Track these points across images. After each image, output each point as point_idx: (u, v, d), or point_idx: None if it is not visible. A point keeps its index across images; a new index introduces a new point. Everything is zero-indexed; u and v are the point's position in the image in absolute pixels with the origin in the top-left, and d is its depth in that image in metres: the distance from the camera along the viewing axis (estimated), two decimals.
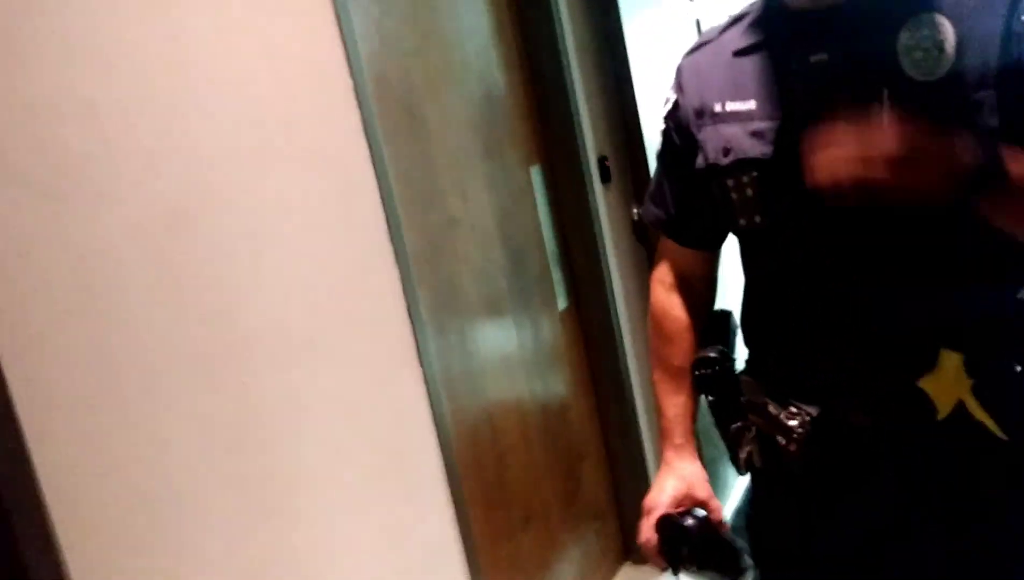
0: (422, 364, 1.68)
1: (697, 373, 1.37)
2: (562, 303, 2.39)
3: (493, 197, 2.11)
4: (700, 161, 1.25)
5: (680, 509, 1.34)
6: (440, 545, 1.69)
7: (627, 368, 2.51)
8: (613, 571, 2.56)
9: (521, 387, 2.17)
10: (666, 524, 1.32)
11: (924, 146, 0.98)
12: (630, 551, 2.60)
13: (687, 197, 1.33)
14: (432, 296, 1.82)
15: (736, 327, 1.40)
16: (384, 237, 1.63)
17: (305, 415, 1.44)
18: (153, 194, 1.24)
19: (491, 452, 2.00)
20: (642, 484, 2.57)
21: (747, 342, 1.35)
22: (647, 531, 1.34)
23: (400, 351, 1.65)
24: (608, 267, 2.46)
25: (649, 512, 1.35)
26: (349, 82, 1.59)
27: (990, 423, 1.11)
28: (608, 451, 2.55)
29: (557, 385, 2.36)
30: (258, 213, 1.39)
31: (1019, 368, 1.10)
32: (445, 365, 1.83)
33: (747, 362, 1.34)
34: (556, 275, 2.37)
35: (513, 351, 2.14)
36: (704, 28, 2.42)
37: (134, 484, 1.17)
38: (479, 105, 2.11)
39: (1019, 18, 1.04)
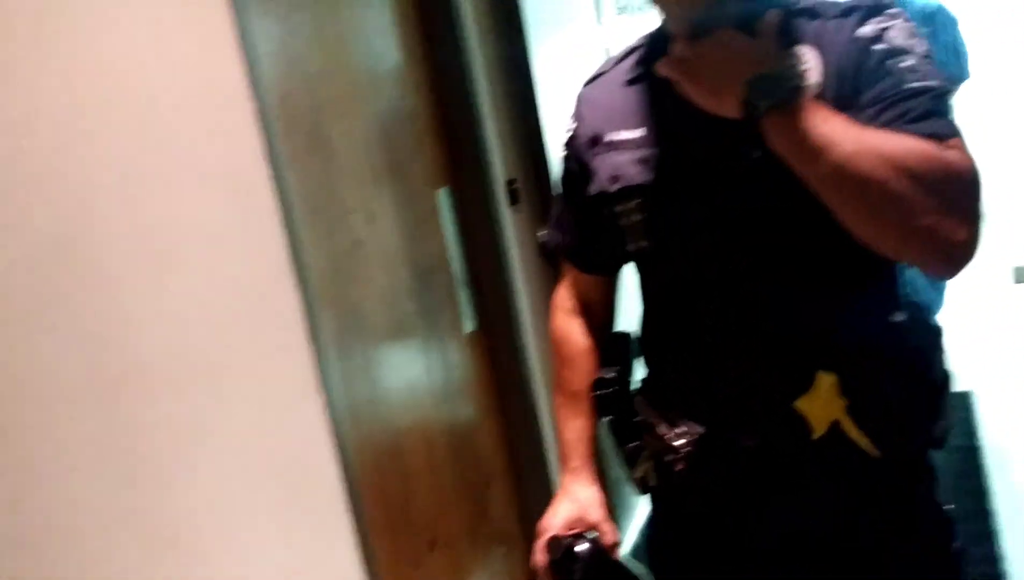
0: (325, 390, 1.65)
1: (595, 394, 1.40)
2: (469, 326, 2.39)
3: (399, 219, 2.10)
4: (592, 188, 1.29)
5: (572, 532, 1.36)
6: (342, 575, 1.66)
7: (535, 391, 2.52)
8: None
9: (428, 412, 2.16)
10: (556, 546, 1.33)
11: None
12: (537, 576, 2.60)
13: (585, 224, 1.37)
14: (336, 320, 1.79)
15: (635, 349, 1.43)
16: (286, 260, 1.60)
17: (203, 444, 1.40)
18: (41, 219, 1.19)
19: (397, 478, 1.98)
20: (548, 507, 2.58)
21: (645, 363, 1.39)
22: (538, 553, 1.36)
23: (302, 377, 1.62)
24: (516, 290, 2.47)
25: (541, 534, 1.38)
26: (251, 104, 1.56)
27: (864, 442, 1.16)
28: (516, 475, 2.55)
29: (464, 409, 2.35)
30: (154, 237, 1.35)
31: (892, 388, 1.15)
32: (349, 391, 1.81)
33: (641, 382, 1.38)
34: (463, 298, 2.37)
35: (420, 375, 2.13)
36: (613, 53, 2.47)
37: (16, 521, 1.12)
38: (387, 127, 2.09)
39: (857, 33, 1.10)
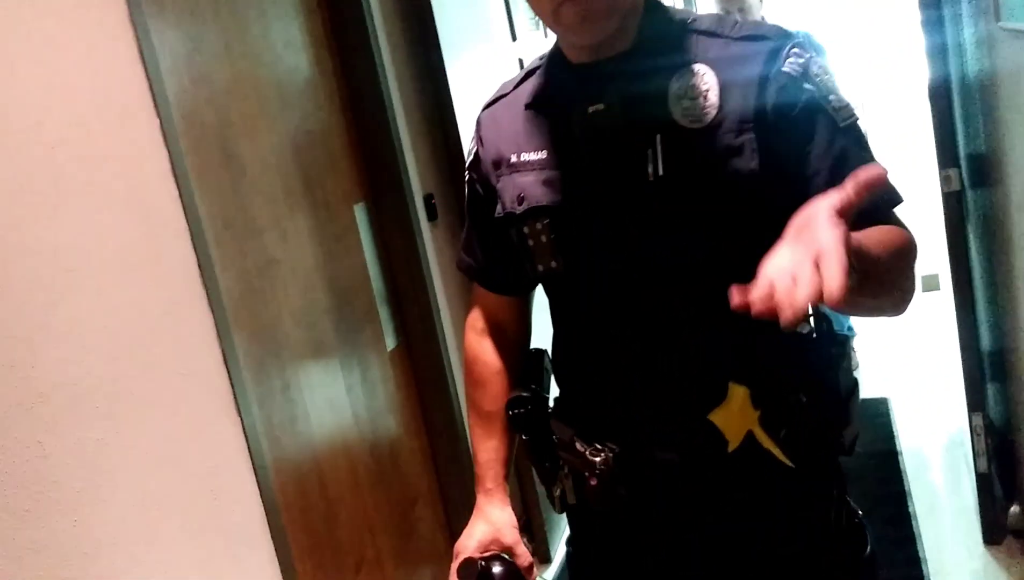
0: (240, 413, 1.61)
1: (511, 413, 1.38)
2: (391, 343, 2.36)
3: (315, 236, 2.07)
4: (499, 210, 1.29)
5: (487, 554, 1.35)
6: None
7: (459, 407, 2.50)
8: None
9: (350, 431, 2.12)
10: (469, 568, 1.31)
11: None
12: None
13: (493, 245, 1.36)
14: (250, 341, 1.75)
15: (549, 366, 1.43)
16: (196, 281, 1.56)
17: (111, 470, 1.34)
18: None
19: (319, 500, 1.94)
20: None
21: (557, 382, 1.38)
22: (452, 576, 1.34)
23: (216, 400, 1.58)
24: (437, 305, 2.45)
25: (456, 556, 1.37)
26: (155, 120, 1.52)
27: (777, 452, 1.17)
28: (441, 492, 2.53)
29: (388, 427, 2.32)
30: (52, 258, 1.30)
31: (802, 398, 1.16)
32: (266, 412, 1.77)
33: (556, 401, 1.37)
34: (384, 314, 2.34)
35: (340, 394, 2.09)
36: (527, 66, 2.49)
37: None
38: (299, 143, 2.06)
39: (778, 68, 1.11)
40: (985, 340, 2.61)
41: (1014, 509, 2.51)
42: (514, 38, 3.36)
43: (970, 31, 2.30)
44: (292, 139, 2.04)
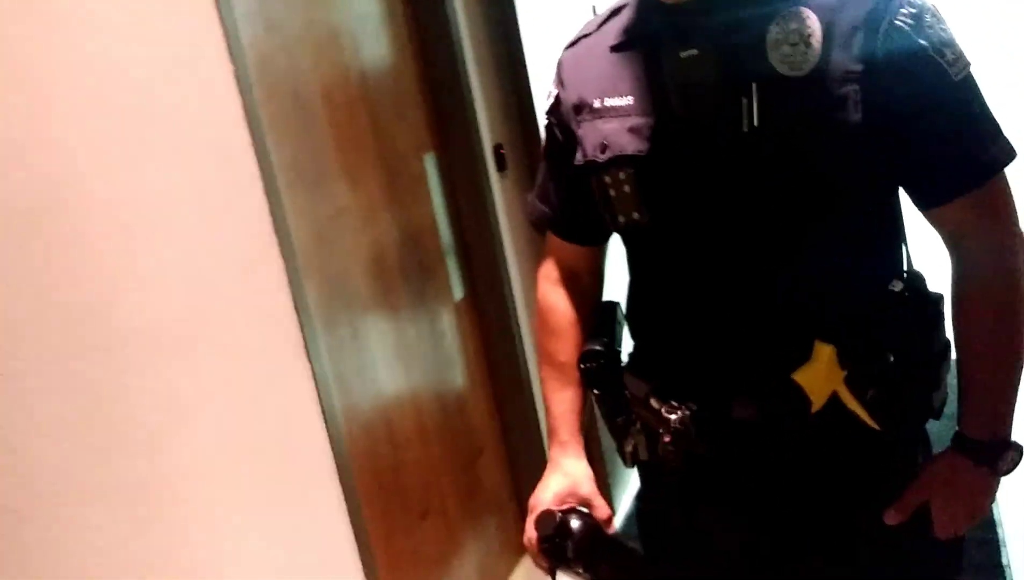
0: (310, 360, 1.62)
1: (583, 367, 1.36)
2: (458, 294, 2.36)
3: (384, 185, 2.06)
4: (579, 157, 1.24)
5: (564, 507, 1.32)
6: (333, 544, 1.64)
7: (525, 359, 2.50)
8: (512, 565, 2.55)
9: (417, 380, 2.13)
10: (548, 521, 1.29)
11: None
12: (529, 552, 2.59)
13: (571, 193, 1.32)
14: (320, 289, 1.76)
15: (622, 319, 1.40)
16: (269, 228, 1.57)
17: (189, 414, 1.37)
18: (15, 185, 1.15)
19: (386, 447, 1.96)
20: (541, 477, 2.56)
21: (632, 335, 1.35)
22: (529, 528, 1.32)
23: (287, 347, 1.59)
24: (504, 256, 2.44)
25: (532, 509, 1.34)
26: (230, 67, 1.52)
27: (862, 413, 1.13)
28: (507, 444, 2.54)
29: (454, 378, 2.32)
30: (132, 205, 1.31)
31: (891, 358, 1.12)
32: (336, 360, 1.78)
33: (631, 355, 1.34)
34: (451, 265, 2.34)
35: (408, 344, 2.10)
36: (612, 4, 2.44)
37: None
38: (370, 92, 2.05)
39: (890, 19, 1.05)
40: None
41: None
42: None
43: None
44: (363, 87, 2.02)
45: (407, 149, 2.19)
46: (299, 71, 1.80)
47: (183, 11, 1.44)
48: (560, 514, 1.28)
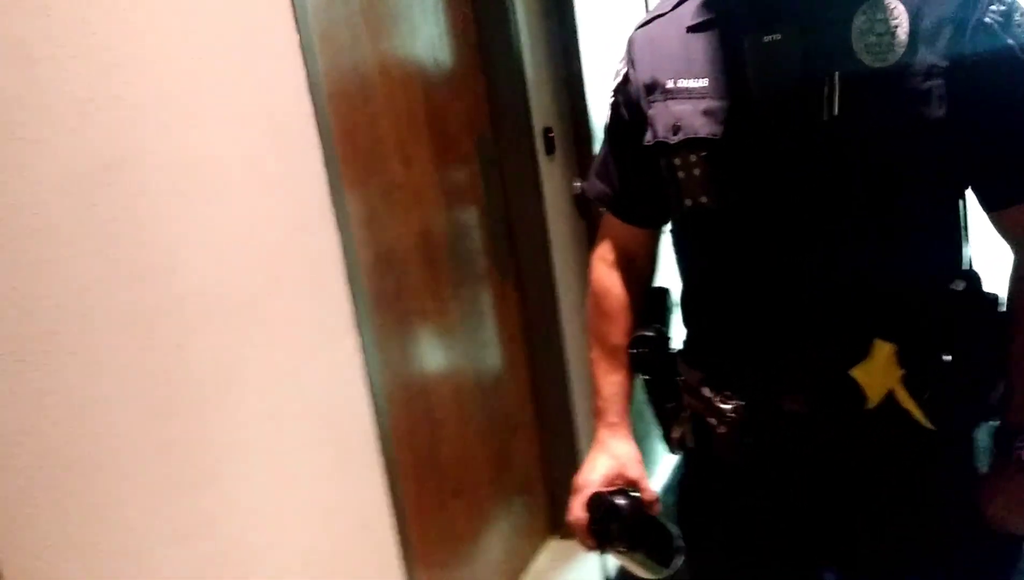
0: (359, 331, 1.64)
1: (633, 351, 1.36)
2: (503, 274, 2.37)
3: (436, 164, 2.07)
4: (648, 137, 1.23)
5: (612, 488, 1.33)
6: (372, 515, 1.66)
7: (564, 343, 2.51)
8: (540, 544, 2.57)
9: (458, 358, 2.15)
10: (597, 503, 1.30)
11: None
12: (558, 525, 2.61)
13: (633, 174, 1.31)
14: (372, 261, 1.78)
15: (673, 305, 1.39)
16: (326, 199, 1.58)
17: (240, 379, 1.39)
18: (85, 143, 1.17)
19: (425, 422, 1.97)
20: (572, 459, 2.57)
21: (685, 323, 1.35)
22: (577, 509, 1.33)
23: (337, 317, 1.61)
24: (550, 241, 2.44)
25: (580, 490, 1.34)
26: (295, 36, 1.53)
27: (918, 413, 1.12)
28: (540, 425, 2.55)
29: (494, 358, 2.34)
30: (196, 167, 1.33)
31: (948, 358, 1.11)
32: (382, 333, 1.80)
33: (684, 343, 1.34)
34: (499, 246, 2.34)
35: (452, 322, 2.12)
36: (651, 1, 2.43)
37: (52, 447, 1.11)
38: (426, 69, 2.06)
39: (979, 15, 1.04)
40: None
41: None
42: None
43: None
44: (420, 65, 2.03)
45: (459, 129, 2.20)
46: (360, 45, 1.80)
47: None
48: (610, 496, 1.29)
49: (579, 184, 2.58)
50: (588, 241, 2.66)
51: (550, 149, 2.47)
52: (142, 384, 1.23)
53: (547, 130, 2.47)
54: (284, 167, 1.50)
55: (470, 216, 2.24)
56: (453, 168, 2.15)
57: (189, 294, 1.31)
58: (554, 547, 2.60)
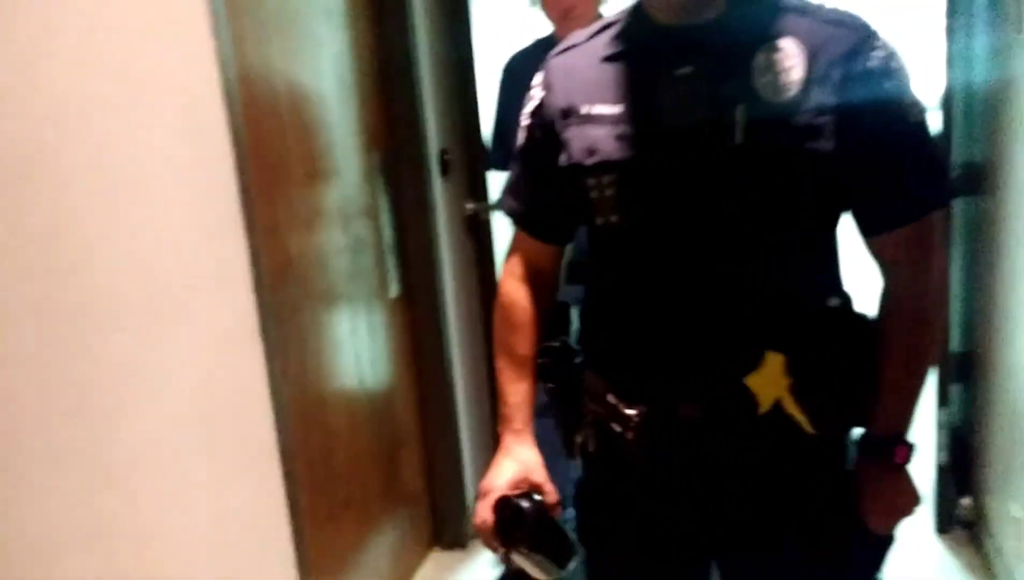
0: (264, 339, 1.65)
1: (540, 361, 1.43)
2: (394, 291, 2.41)
3: (338, 179, 2.10)
4: (563, 159, 1.31)
5: (517, 492, 1.38)
6: (270, 523, 1.67)
7: (451, 359, 2.56)
8: (423, 555, 2.61)
9: (350, 371, 2.17)
10: (504, 506, 1.36)
11: None
12: (440, 537, 2.65)
13: (543, 193, 1.38)
14: (276, 271, 1.79)
15: (575, 319, 1.47)
16: (237, 207, 1.59)
17: (147, 382, 1.38)
18: (5, 134, 1.16)
19: (320, 433, 1.99)
20: (457, 474, 2.63)
21: (589, 334, 1.42)
22: (484, 512, 1.37)
23: (243, 324, 1.61)
24: (441, 259, 2.50)
25: (486, 494, 1.39)
26: (211, 42, 1.54)
27: (802, 419, 1.24)
28: (426, 440, 2.59)
29: (384, 372, 2.37)
30: (112, 167, 1.33)
31: (826, 369, 1.23)
32: (284, 343, 1.81)
33: (589, 352, 1.41)
34: (391, 262, 2.38)
35: (345, 335, 2.14)
36: (538, 35, 2.56)
37: None
38: (330, 86, 2.09)
39: (863, 60, 1.17)
40: (955, 341, 2.72)
41: (966, 502, 2.65)
42: (532, 4, 3.39)
43: (986, 40, 2.37)
44: (324, 81, 2.06)
45: (359, 146, 2.23)
46: (270, 57, 1.82)
47: None
48: (516, 499, 1.35)
49: (471, 206, 2.65)
50: (478, 262, 2.73)
51: (445, 170, 2.53)
52: (50, 384, 1.22)
53: (443, 152, 2.53)
54: (198, 173, 1.51)
55: (366, 232, 2.27)
56: (352, 184, 2.18)
57: (100, 294, 1.30)
58: (437, 558, 2.64)
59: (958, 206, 2.56)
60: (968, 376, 2.71)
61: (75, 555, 1.25)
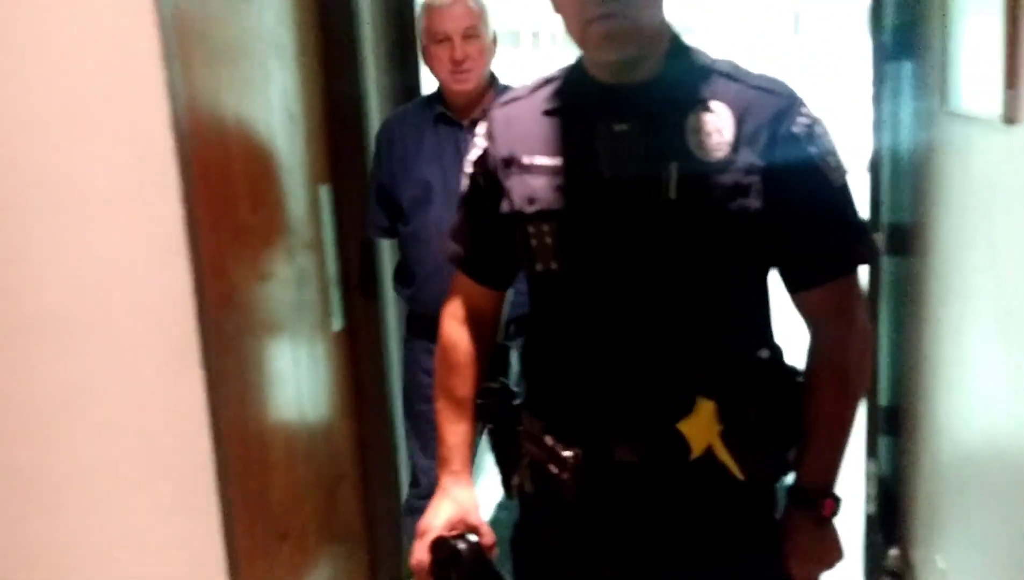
0: (205, 368, 1.64)
1: (479, 402, 1.45)
2: (337, 325, 2.40)
3: (284, 211, 2.11)
4: (505, 207, 1.35)
5: (454, 533, 1.40)
6: (206, 554, 1.64)
7: (392, 394, 2.56)
8: None
9: (290, 404, 2.16)
10: (440, 546, 1.37)
11: None
12: (377, 574, 2.63)
13: (485, 238, 1.42)
14: (219, 302, 1.78)
15: (513, 362, 1.50)
16: (181, 236, 1.58)
17: (85, 407, 1.37)
18: None
19: (258, 465, 1.97)
20: (395, 511, 2.61)
21: (526, 376, 1.45)
22: (420, 552, 1.39)
23: (185, 352, 1.60)
24: (384, 294, 2.50)
25: (423, 534, 1.41)
26: (162, 72, 1.54)
27: (732, 465, 1.28)
28: (365, 475, 2.57)
29: (324, 406, 2.36)
30: (58, 192, 1.33)
31: (755, 418, 1.28)
32: (226, 373, 1.79)
33: (527, 394, 1.44)
34: (334, 296, 2.38)
35: (287, 367, 2.13)
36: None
37: None
38: (278, 117, 2.10)
39: (788, 126, 1.23)
40: (883, 396, 2.81)
41: (893, 552, 2.71)
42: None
43: (911, 108, 2.49)
44: (272, 113, 2.07)
45: (307, 176, 2.24)
46: (218, 86, 1.83)
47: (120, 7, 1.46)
48: (450, 539, 1.36)
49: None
50: None
51: None
52: None
53: None
54: (144, 199, 1.50)
55: (310, 264, 2.27)
56: (299, 215, 2.19)
57: (42, 315, 1.29)
58: None
59: (886, 266, 2.66)
60: (896, 429, 2.80)
61: (5, 577, 1.23)
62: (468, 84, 2.32)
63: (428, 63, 2.34)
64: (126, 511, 1.45)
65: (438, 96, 2.40)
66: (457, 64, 2.25)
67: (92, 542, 1.38)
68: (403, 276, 2.48)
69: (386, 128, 2.45)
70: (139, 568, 1.48)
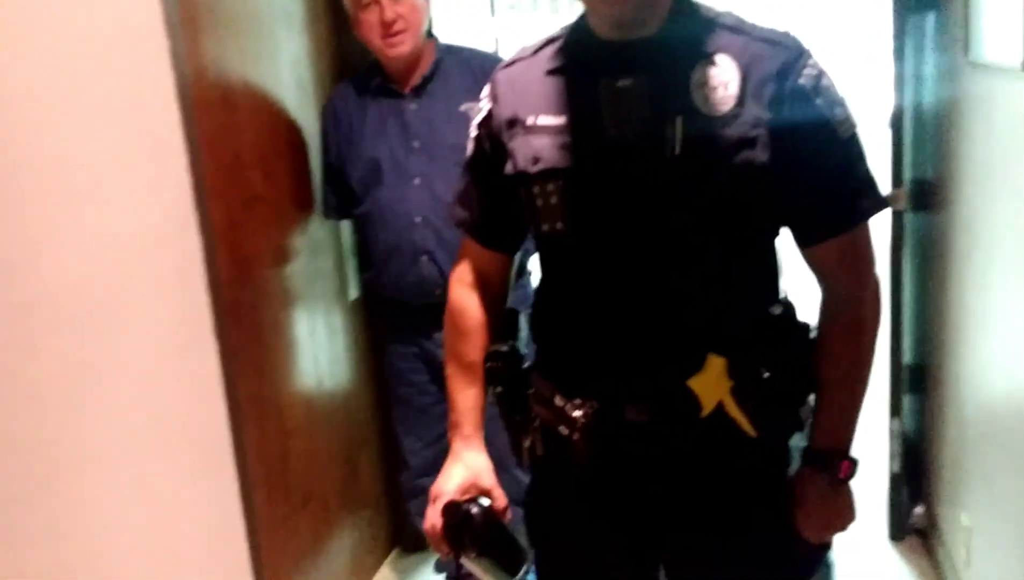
0: (218, 339, 1.65)
1: (488, 366, 1.45)
2: (353, 294, 2.41)
3: (295, 179, 2.11)
4: (510, 168, 1.33)
5: (466, 497, 1.40)
6: (224, 522, 1.67)
7: None
8: (382, 558, 2.61)
9: (308, 372, 2.17)
10: (452, 510, 1.37)
11: None
12: (399, 539, 2.66)
13: (492, 202, 1.41)
14: (231, 271, 1.79)
15: (524, 325, 1.49)
16: (190, 207, 1.59)
17: (97, 380, 1.38)
18: None
19: (277, 434, 1.99)
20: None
21: (536, 338, 1.44)
22: (433, 517, 1.39)
23: (198, 324, 1.61)
24: None
25: (436, 499, 1.41)
26: (165, 43, 1.54)
27: (743, 421, 1.26)
28: (384, 441, 2.59)
29: (342, 374, 2.37)
30: (66, 165, 1.33)
31: (767, 374, 1.26)
32: (240, 343, 1.80)
33: (536, 357, 1.44)
34: (350, 266, 2.39)
35: (304, 336, 2.14)
36: (502, 45, 2.55)
37: None
38: (288, 86, 2.10)
39: (794, 78, 1.21)
40: (908, 354, 2.77)
41: (918, 510, 2.69)
42: (493, 14, 3.43)
43: (934, 61, 2.43)
44: (282, 82, 2.06)
45: (317, 148, 2.24)
46: (226, 57, 1.82)
47: None
48: (465, 504, 1.36)
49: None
50: None
51: None
52: (6, 379, 1.22)
53: None
54: (151, 171, 1.51)
55: (324, 233, 2.28)
56: (312, 185, 2.19)
57: (49, 293, 1.30)
58: (395, 560, 2.65)
59: (909, 222, 2.61)
60: (920, 387, 2.76)
61: (28, 554, 1.25)
62: (403, 47, 2.07)
63: (359, 32, 2.10)
64: (144, 483, 1.47)
65: (377, 66, 2.18)
66: (388, 27, 2.03)
67: (110, 514, 1.40)
68: (362, 260, 2.32)
69: (329, 105, 2.23)
70: (159, 539, 1.50)
